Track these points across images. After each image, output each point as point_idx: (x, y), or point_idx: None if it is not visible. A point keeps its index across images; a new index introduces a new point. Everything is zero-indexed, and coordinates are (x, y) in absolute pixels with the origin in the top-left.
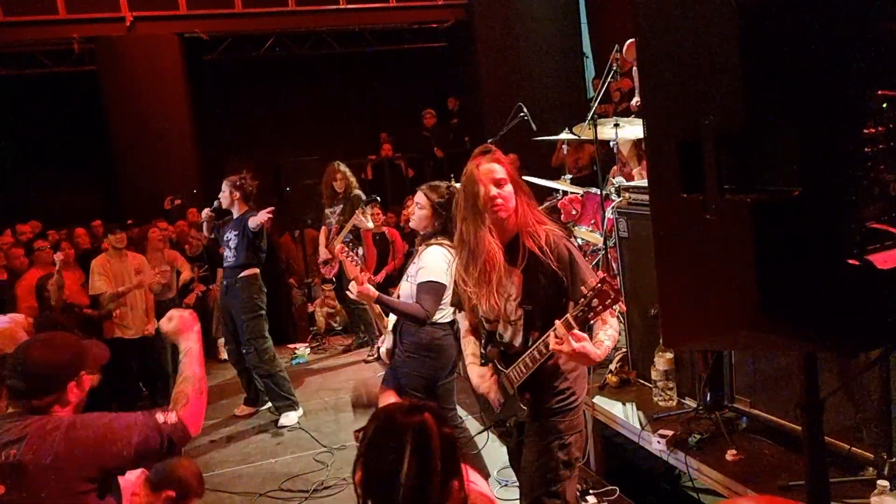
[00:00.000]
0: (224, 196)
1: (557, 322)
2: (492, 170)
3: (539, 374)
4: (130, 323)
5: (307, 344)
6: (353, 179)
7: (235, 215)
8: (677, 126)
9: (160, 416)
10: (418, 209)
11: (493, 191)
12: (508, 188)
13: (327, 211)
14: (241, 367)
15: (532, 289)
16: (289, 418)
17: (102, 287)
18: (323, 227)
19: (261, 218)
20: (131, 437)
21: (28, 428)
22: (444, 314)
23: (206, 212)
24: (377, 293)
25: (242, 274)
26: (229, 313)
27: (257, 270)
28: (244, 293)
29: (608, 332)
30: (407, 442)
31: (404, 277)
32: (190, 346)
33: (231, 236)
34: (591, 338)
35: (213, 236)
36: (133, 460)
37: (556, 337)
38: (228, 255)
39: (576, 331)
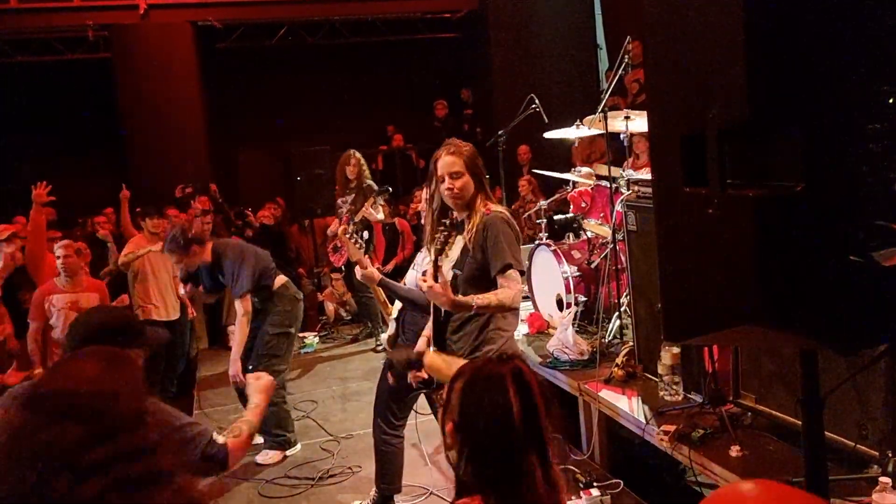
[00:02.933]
0: (183, 264)
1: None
2: (448, 163)
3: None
4: (163, 304)
5: (316, 333)
6: (366, 169)
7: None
8: (681, 119)
9: (216, 436)
10: (426, 204)
11: (448, 182)
12: (462, 179)
13: (339, 201)
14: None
15: (464, 258)
16: (268, 456)
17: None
18: (335, 219)
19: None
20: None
21: None
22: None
23: (188, 290)
24: (380, 275)
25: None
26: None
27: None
28: (275, 304)
29: (488, 295)
30: (509, 385)
31: (411, 266)
32: (260, 402)
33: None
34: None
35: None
36: None
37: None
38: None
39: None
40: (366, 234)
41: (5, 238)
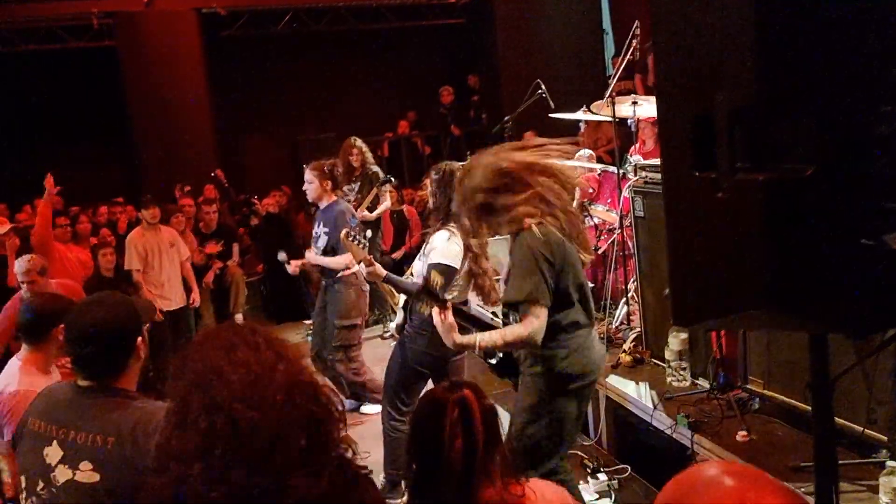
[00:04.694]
0: (313, 187)
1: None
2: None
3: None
4: (169, 294)
5: None
6: (369, 155)
7: (323, 206)
8: (691, 103)
9: None
10: (427, 188)
11: None
12: None
13: (345, 188)
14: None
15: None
16: (372, 408)
17: (134, 263)
18: None
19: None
20: None
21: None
22: (453, 296)
23: (281, 255)
24: (385, 272)
25: (341, 273)
26: (324, 313)
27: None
28: (342, 296)
29: (494, 334)
30: (448, 413)
31: (418, 256)
32: None
33: (319, 232)
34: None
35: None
36: None
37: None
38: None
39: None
40: (369, 233)
41: (4, 232)
